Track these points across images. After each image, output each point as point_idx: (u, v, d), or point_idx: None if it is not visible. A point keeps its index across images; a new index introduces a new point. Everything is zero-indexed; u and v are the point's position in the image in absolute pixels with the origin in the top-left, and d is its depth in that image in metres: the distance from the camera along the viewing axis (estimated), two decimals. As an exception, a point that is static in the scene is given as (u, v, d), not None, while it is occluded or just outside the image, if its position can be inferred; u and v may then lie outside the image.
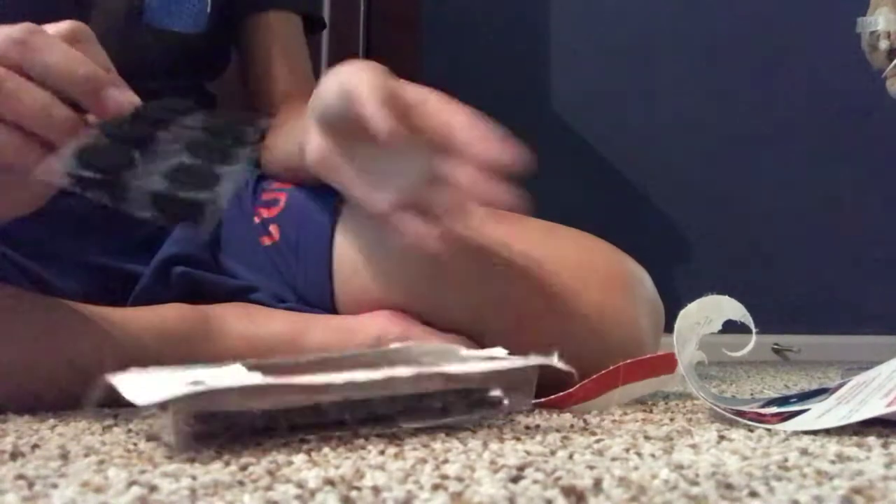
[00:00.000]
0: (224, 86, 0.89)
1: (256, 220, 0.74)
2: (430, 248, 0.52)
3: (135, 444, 0.42)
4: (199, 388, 0.39)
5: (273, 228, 0.73)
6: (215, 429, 0.40)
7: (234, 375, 0.42)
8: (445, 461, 0.38)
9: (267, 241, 0.73)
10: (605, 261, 0.66)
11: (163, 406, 0.39)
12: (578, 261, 0.65)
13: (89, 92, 0.47)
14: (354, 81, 0.54)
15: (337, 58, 0.60)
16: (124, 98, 0.48)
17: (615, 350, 0.60)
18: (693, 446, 0.43)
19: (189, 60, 0.81)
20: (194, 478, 0.34)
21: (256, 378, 0.41)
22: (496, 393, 0.48)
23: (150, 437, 0.44)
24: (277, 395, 0.41)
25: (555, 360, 0.47)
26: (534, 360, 0.47)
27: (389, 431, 0.45)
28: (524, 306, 0.64)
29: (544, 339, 0.63)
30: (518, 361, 0.48)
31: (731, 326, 0.56)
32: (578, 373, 0.57)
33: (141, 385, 0.40)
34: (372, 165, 0.56)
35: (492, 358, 0.49)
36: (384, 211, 0.55)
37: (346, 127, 0.56)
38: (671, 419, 0.54)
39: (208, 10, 0.81)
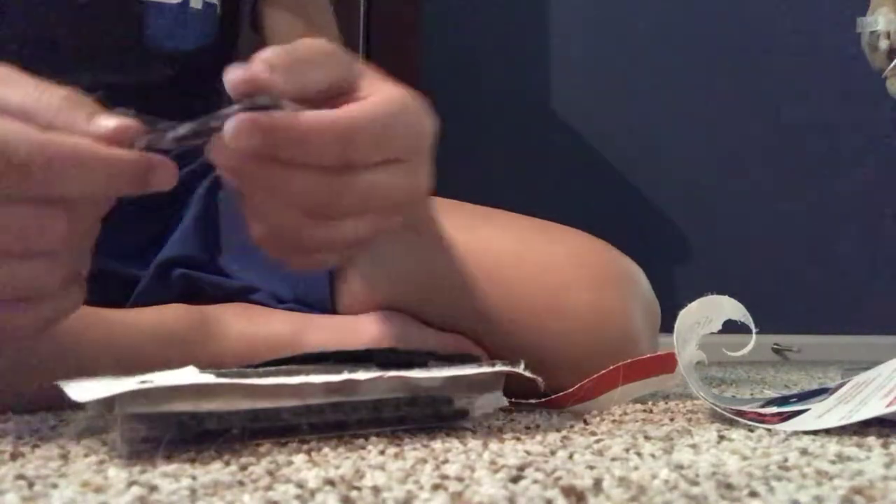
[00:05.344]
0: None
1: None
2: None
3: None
4: (145, 385, 0.38)
5: None
6: (164, 432, 0.39)
7: (184, 376, 0.41)
8: (445, 461, 0.38)
9: None
10: (599, 258, 0.66)
11: (110, 408, 0.39)
12: (571, 258, 0.65)
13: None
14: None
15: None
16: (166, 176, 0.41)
17: (610, 348, 0.60)
18: (693, 446, 0.43)
19: (196, 70, 0.80)
20: (194, 478, 0.34)
21: (205, 378, 0.40)
22: (461, 400, 0.47)
23: (105, 443, 0.43)
24: (229, 398, 0.40)
25: (521, 368, 0.47)
26: (500, 367, 0.47)
27: (389, 431, 0.45)
28: (519, 305, 0.64)
29: (539, 337, 0.63)
30: (483, 369, 0.47)
31: (731, 326, 0.56)
32: (574, 371, 0.58)
33: (88, 387, 0.39)
34: None
35: (459, 367, 0.49)
36: None
37: None
38: (671, 419, 0.54)
39: (218, 13, 0.80)
